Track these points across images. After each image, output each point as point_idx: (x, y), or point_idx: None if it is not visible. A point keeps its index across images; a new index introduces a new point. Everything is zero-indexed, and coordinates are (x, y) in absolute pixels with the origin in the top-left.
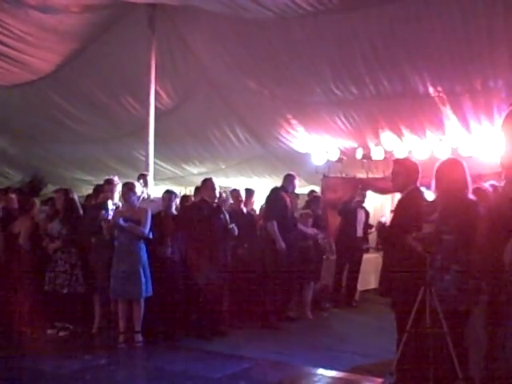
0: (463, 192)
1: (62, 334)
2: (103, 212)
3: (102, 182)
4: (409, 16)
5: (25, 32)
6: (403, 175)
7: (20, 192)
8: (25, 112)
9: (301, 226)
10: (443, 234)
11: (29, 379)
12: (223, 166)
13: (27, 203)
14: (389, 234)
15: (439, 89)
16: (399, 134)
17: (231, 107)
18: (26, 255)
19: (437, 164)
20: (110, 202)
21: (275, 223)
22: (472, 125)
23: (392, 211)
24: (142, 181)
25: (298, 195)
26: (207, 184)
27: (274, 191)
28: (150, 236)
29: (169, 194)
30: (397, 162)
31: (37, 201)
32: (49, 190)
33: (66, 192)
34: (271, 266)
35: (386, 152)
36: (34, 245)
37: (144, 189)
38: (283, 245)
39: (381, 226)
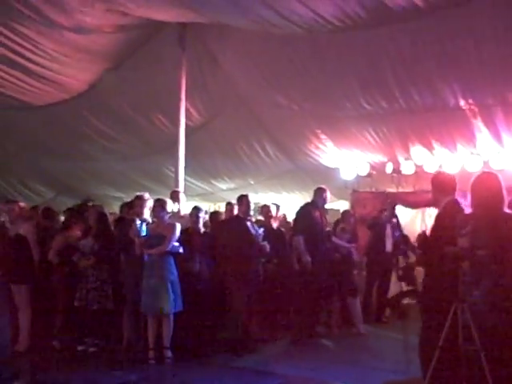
0: (499, 206)
1: (91, 349)
2: (135, 228)
3: (132, 199)
4: (439, 29)
5: (59, 52)
6: (439, 189)
7: (70, 210)
8: (58, 130)
9: (336, 240)
10: (476, 249)
11: None
12: (252, 182)
13: (68, 222)
14: (428, 247)
15: (470, 101)
16: (430, 148)
17: (260, 123)
18: (58, 272)
19: (472, 178)
20: (137, 220)
21: (301, 238)
22: (504, 137)
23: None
24: (174, 197)
25: (327, 210)
26: (243, 201)
27: (303, 207)
28: (181, 251)
29: (196, 210)
30: (434, 175)
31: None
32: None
33: (99, 209)
34: (299, 281)
35: (416, 166)
36: (65, 261)
37: (176, 205)
38: (309, 258)
39: (422, 237)
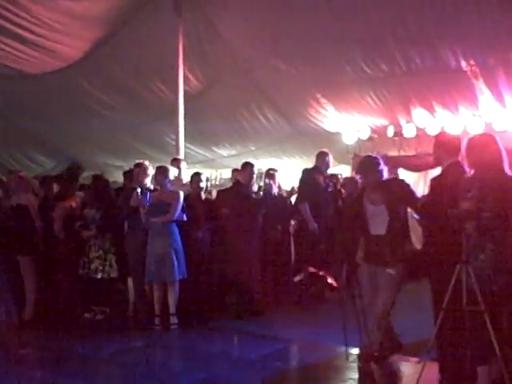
0: (500, 166)
1: (98, 317)
2: (139, 197)
3: (132, 167)
4: None
5: (53, 20)
6: (443, 149)
7: (59, 179)
8: (56, 99)
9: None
10: (482, 212)
11: (67, 361)
12: (253, 148)
13: (63, 191)
14: (428, 210)
15: (471, 62)
16: (431, 111)
17: (260, 88)
18: (61, 242)
19: (466, 139)
20: (138, 188)
21: (307, 205)
22: (506, 98)
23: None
24: (175, 165)
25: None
26: (247, 168)
27: (306, 172)
28: (185, 218)
29: (197, 176)
30: (437, 136)
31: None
32: (82, 175)
33: (98, 178)
34: (304, 247)
35: (417, 129)
36: (68, 231)
37: (177, 172)
38: (315, 225)
39: (423, 200)
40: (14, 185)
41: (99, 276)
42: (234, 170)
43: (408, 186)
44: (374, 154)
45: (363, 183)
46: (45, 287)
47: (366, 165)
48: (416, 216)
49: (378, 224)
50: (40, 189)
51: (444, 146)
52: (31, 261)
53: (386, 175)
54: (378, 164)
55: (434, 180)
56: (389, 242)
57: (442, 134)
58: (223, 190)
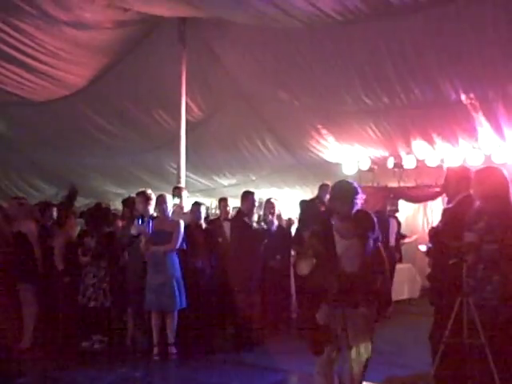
0: (506, 199)
1: (96, 346)
2: (140, 225)
3: (132, 195)
4: (439, 23)
5: (58, 48)
6: (454, 183)
7: (58, 205)
8: (58, 126)
9: None
10: (486, 244)
11: None
12: (254, 178)
13: (61, 217)
14: (436, 241)
15: (471, 95)
16: (431, 142)
17: (261, 118)
18: (60, 270)
19: (473, 172)
20: (138, 218)
21: (308, 233)
22: (505, 131)
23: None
24: (176, 194)
25: None
26: (248, 197)
27: (309, 202)
28: (184, 247)
29: (197, 205)
30: (449, 169)
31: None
32: (81, 203)
33: (98, 206)
34: (305, 277)
35: (417, 160)
36: (69, 259)
37: (178, 201)
38: None
39: (433, 232)
40: (15, 212)
41: (92, 305)
42: (222, 200)
43: (373, 219)
44: (351, 181)
45: (330, 211)
46: (43, 315)
47: (344, 191)
48: (423, 248)
49: (350, 259)
50: (40, 216)
51: (456, 180)
52: (30, 288)
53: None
54: (357, 193)
55: (446, 211)
56: (362, 280)
57: (455, 168)
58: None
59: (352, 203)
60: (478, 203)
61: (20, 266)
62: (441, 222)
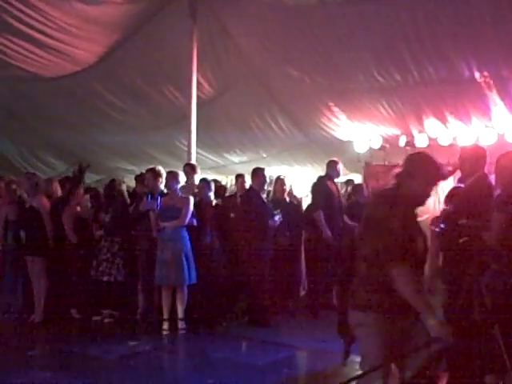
0: None
1: (107, 320)
2: (150, 202)
3: (144, 172)
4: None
5: (69, 24)
6: (470, 161)
7: (69, 180)
8: (69, 102)
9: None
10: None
11: (76, 363)
12: (264, 155)
13: (70, 193)
14: (450, 221)
15: (485, 73)
16: (444, 121)
17: (273, 95)
18: (72, 245)
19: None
20: (148, 194)
21: (321, 213)
22: None
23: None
24: (188, 171)
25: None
26: (258, 173)
27: (319, 180)
28: (195, 223)
29: (206, 182)
30: (464, 148)
31: (82, 189)
32: (93, 179)
33: (112, 182)
34: (315, 255)
35: (429, 139)
36: (79, 233)
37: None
38: (329, 233)
39: (445, 213)
40: (27, 187)
41: (105, 279)
42: (239, 176)
43: None
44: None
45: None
46: (54, 289)
47: None
48: (435, 228)
49: None
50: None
51: (472, 159)
52: (41, 262)
53: None
54: None
55: (458, 190)
56: None
57: (468, 146)
58: (233, 195)
59: None
60: (498, 190)
61: (31, 240)
62: (451, 202)
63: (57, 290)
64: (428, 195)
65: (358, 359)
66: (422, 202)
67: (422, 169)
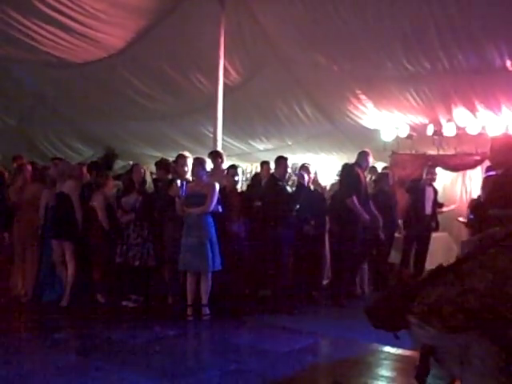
0: None
1: (132, 305)
2: (175, 188)
3: (170, 158)
4: None
5: (96, 9)
6: (504, 152)
7: (96, 166)
8: (96, 88)
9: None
10: None
11: (100, 348)
12: (290, 143)
13: (101, 178)
14: (482, 212)
15: None
16: (473, 110)
17: (299, 83)
18: (103, 229)
19: None
20: (178, 181)
21: (355, 198)
22: None
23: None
24: (215, 157)
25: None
26: (281, 162)
27: (350, 167)
28: (220, 210)
29: (233, 169)
30: (495, 138)
31: (110, 175)
32: (119, 165)
33: (137, 166)
34: (349, 243)
35: (458, 128)
36: (109, 219)
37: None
38: (367, 216)
39: (475, 203)
40: (57, 172)
41: (137, 263)
42: (264, 163)
43: None
44: None
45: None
46: (81, 274)
47: None
48: (462, 219)
49: None
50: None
51: (505, 149)
52: (70, 247)
53: None
54: None
55: (490, 179)
56: None
57: (500, 136)
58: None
59: None
60: None
61: (62, 225)
62: (483, 192)
63: (84, 274)
64: None
65: (381, 348)
66: None
67: None
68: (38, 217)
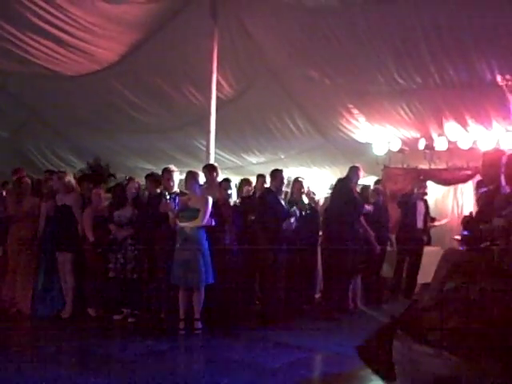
0: None
1: (130, 320)
2: (166, 201)
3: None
4: (476, 1)
5: (90, 22)
6: (496, 167)
7: (85, 178)
8: (89, 101)
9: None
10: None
11: (91, 361)
12: (282, 156)
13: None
14: (473, 227)
15: (507, 77)
16: (464, 124)
17: (292, 97)
18: (91, 243)
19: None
20: (166, 194)
21: (362, 219)
22: None
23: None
24: (208, 171)
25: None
26: (277, 175)
27: (344, 183)
28: (213, 223)
29: (226, 182)
30: (488, 154)
31: (102, 190)
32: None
33: (132, 180)
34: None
35: (449, 142)
36: (98, 232)
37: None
38: (372, 233)
39: (468, 219)
40: (58, 185)
41: (135, 276)
42: (260, 176)
43: None
44: None
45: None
46: (76, 287)
47: None
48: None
49: None
50: None
51: (496, 165)
52: (70, 258)
53: None
54: None
55: (481, 195)
56: None
57: (490, 151)
58: (252, 196)
59: None
60: (508, 189)
61: (63, 237)
62: (476, 207)
63: (80, 287)
64: None
65: None
66: None
67: None
68: (35, 229)
